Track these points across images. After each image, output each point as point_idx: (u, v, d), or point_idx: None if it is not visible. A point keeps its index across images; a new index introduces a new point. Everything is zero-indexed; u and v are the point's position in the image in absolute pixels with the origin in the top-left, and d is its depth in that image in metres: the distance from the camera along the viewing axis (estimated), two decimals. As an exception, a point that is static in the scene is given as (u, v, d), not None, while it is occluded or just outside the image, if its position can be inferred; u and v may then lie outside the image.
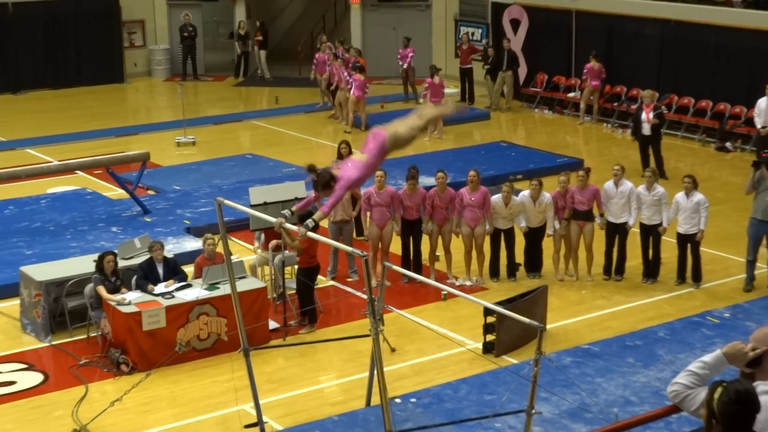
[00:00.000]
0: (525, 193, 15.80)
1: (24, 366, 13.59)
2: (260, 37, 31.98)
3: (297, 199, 14.29)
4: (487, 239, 15.87)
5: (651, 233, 15.67)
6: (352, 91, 25.36)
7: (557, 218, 15.72)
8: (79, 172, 21.37)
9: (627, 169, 16.34)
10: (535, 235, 15.93)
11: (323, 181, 9.92)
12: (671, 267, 15.84)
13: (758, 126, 21.89)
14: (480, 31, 29.99)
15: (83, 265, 14.54)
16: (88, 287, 13.88)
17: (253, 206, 14.27)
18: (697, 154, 23.52)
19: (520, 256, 16.10)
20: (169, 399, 12.65)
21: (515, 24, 28.51)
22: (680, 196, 15.41)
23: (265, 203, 14.44)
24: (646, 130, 21.09)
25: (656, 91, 22.24)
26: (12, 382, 13.15)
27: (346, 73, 25.92)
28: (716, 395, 5.04)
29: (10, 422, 12.20)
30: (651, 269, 15.86)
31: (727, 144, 23.58)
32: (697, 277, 15.70)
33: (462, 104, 10.29)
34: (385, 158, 10.24)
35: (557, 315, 14.48)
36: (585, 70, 25.81)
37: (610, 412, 11.44)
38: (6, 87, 30.25)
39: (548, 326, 13.36)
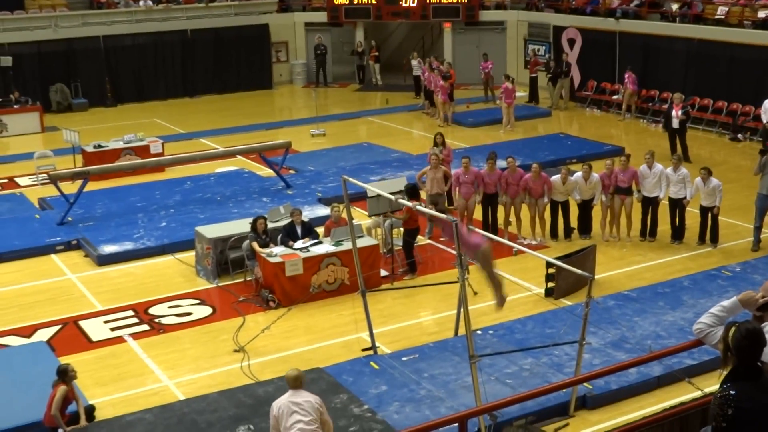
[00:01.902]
0: (578, 174, 15.58)
1: (198, 301, 13.82)
2: (376, 53, 31.99)
3: (401, 191, 14.20)
4: (548, 208, 15.69)
5: (677, 205, 15.34)
6: (440, 96, 25.29)
7: (604, 193, 15.48)
8: (239, 156, 21.59)
9: (657, 154, 16.01)
10: (586, 206, 15.69)
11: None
12: (694, 231, 15.45)
13: (764, 121, 21.15)
14: (544, 47, 29.51)
15: (241, 226, 14.71)
16: (245, 242, 14.04)
17: (369, 198, 14.25)
18: (715, 143, 22.87)
19: (574, 222, 15.86)
20: (305, 328, 12.75)
21: (571, 42, 28.05)
22: (699, 181, 15.05)
23: (378, 196, 14.35)
24: (675, 124, 20.66)
25: (683, 93, 21.70)
26: (189, 313, 13.39)
27: (440, 81, 25.80)
28: (731, 333, 4.93)
29: (188, 343, 12.43)
30: (677, 233, 15.50)
31: (739, 135, 22.92)
32: (714, 239, 15.30)
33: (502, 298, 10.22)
34: (470, 250, 10.10)
35: (603, 268, 14.22)
36: (625, 78, 25.30)
37: (645, 343, 11.23)
38: (185, 92, 30.68)
39: (596, 276, 13.12)
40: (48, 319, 13.19)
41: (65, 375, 9.79)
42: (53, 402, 9.66)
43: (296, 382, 8.46)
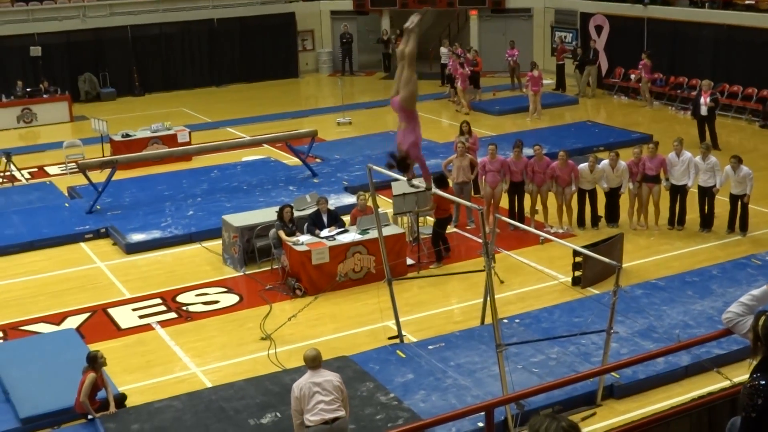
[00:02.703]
0: (605, 162, 15.47)
1: (224, 289, 13.87)
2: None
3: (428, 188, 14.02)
4: (575, 196, 15.60)
5: (707, 193, 15.20)
6: (459, 83, 25.35)
7: (631, 181, 15.37)
8: (265, 145, 21.63)
9: (686, 142, 15.86)
10: (613, 194, 15.59)
11: (402, 164, 9.52)
12: (723, 220, 15.31)
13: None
14: (571, 35, 29.32)
15: (268, 214, 14.74)
16: (272, 231, 14.08)
17: (395, 196, 14.23)
18: (744, 130, 22.62)
19: (601, 210, 15.76)
20: (331, 316, 12.77)
21: (599, 29, 27.82)
22: (729, 169, 14.89)
23: (404, 194, 14.30)
24: (704, 111, 20.46)
25: (712, 80, 21.49)
26: (216, 301, 13.45)
27: (467, 68, 25.79)
28: (761, 322, 4.87)
29: (215, 331, 12.49)
30: (706, 221, 15.36)
31: (769, 122, 22.72)
32: (744, 228, 15.14)
33: (423, 9, 9.60)
34: (412, 112, 9.43)
35: (631, 256, 14.13)
36: (639, 66, 25.14)
37: (673, 333, 11.15)
38: (212, 81, 30.77)
39: (624, 265, 13.01)
40: (77, 307, 13.31)
41: (95, 362, 9.88)
42: (82, 388, 9.76)
43: (315, 361, 8.51)
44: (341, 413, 8.41)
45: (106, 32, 29.16)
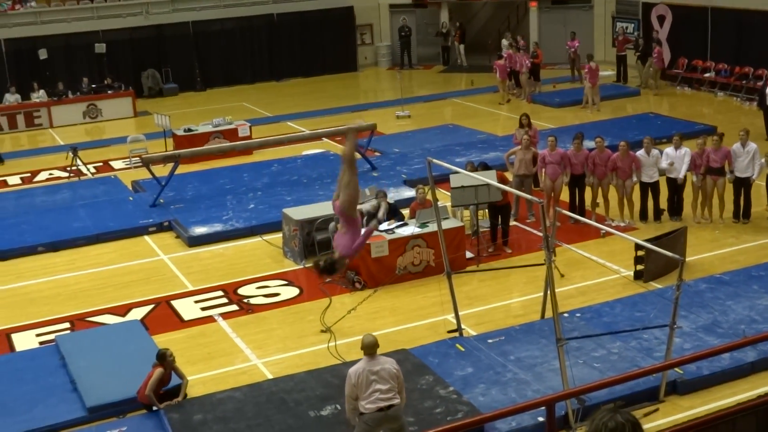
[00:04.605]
0: (669, 149, 15.25)
1: (285, 282, 13.95)
2: (460, 34, 31.79)
3: (488, 185, 13.72)
4: (637, 189, 15.37)
5: (772, 182, 14.95)
6: (498, 75, 25.73)
7: (695, 173, 15.08)
8: (325, 139, 21.73)
9: (752, 134, 15.54)
10: (676, 187, 15.32)
11: (330, 268, 9.07)
12: (790, 212, 15.00)
13: None
14: (632, 25, 28.86)
15: (328, 207, 14.69)
16: (331, 224, 14.10)
17: (453, 189, 14.13)
18: (813, 121, 22.05)
19: (664, 204, 15.51)
20: (391, 309, 12.77)
21: (661, 19, 27.34)
22: None
23: (463, 186, 14.21)
24: (770, 101, 20.03)
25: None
26: (277, 294, 13.54)
27: (527, 60, 25.58)
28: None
29: (276, 323, 12.57)
30: (774, 213, 15.08)
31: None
32: (812, 221, 14.80)
33: (355, 122, 9.22)
34: (353, 218, 8.99)
35: (694, 250, 13.87)
36: (654, 54, 25.04)
37: (739, 328, 10.92)
38: (272, 76, 30.99)
39: (687, 259, 12.78)
40: (141, 299, 13.51)
41: (164, 359, 10.05)
42: (149, 382, 9.92)
43: (372, 348, 8.55)
44: (396, 401, 8.47)
45: (169, 28, 29.57)
